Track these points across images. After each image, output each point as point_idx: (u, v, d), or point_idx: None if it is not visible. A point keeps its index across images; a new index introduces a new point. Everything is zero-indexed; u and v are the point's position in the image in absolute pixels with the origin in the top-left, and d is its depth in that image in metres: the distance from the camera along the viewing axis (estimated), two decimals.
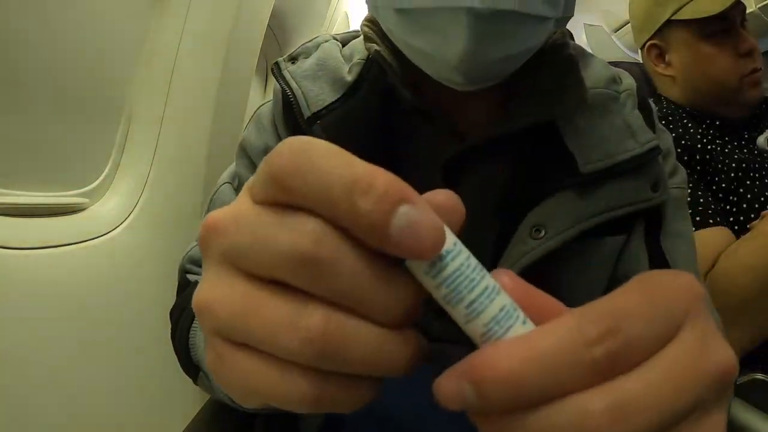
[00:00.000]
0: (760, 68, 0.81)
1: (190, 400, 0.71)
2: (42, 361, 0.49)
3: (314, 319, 0.14)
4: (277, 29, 1.33)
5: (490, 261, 0.40)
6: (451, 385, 0.14)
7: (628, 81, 0.46)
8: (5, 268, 0.46)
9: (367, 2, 0.40)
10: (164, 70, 0.72)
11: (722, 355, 0.15)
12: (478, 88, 0.38)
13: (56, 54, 0.55)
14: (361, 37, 0.45)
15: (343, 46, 0.47)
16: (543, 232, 0.38)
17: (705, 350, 0.15)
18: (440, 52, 0.35)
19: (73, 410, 0.53)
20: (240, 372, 0.16)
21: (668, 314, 0.15)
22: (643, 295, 0.15)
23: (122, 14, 0.66)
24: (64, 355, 0.52)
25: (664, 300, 0.15)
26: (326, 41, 0.47)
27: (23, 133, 0.53)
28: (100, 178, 0.66)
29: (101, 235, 0.60)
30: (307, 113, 0.42)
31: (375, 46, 0.42)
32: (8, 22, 0.49)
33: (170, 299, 0.71)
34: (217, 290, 0.16)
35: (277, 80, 0.44)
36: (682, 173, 0.48)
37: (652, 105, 0.49)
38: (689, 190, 0.69)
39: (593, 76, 0.44)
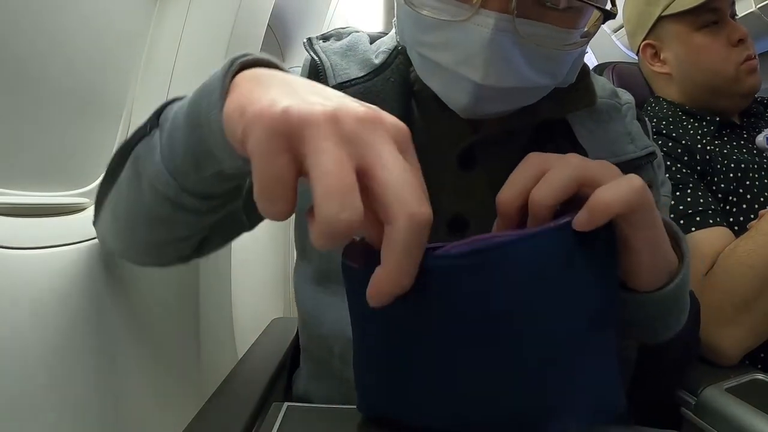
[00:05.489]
0: (755, 56, 0.81)
1: (190, 400, 0.71)
2: (41, 360, 0.49)
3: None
4: (277, 29, 1.33)
5: None
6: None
7: (627, 96, 0.52)
8: (5, 268, 0.46)
9: (396, 31, 0.46)
10: (164, 70, 0.72)
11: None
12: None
13: (56, 54, 0.55)
14: (392, 32, 0.50)
15: (371, 42, 0.51)
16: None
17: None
18: (449, 96, 0.41)
19: (72, 410, 0.53)
20: (276, 166, 0.21)
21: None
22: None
23: (122, 14, 0.66)
24: (64, 355, 0.52)
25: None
26: (356, 32, 0.51)
27: (23, 132, 0.53)
28: (100, 178, 0.66)
29: None
30: (332, 82, 0.45)
31: None
32: (8, 21, 0.49)
33: (170, 299, 0.71)
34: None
35: (308, 51, 0.48)
36: (669, 184, 0.55)
37: (647, 121, 0.55)
38: (689, 191, 0.69)
39: (599, 87, 0.49)
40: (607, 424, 0.27)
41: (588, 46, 0.42)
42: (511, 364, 0.26)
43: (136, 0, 0.68)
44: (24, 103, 0.53)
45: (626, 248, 0.29)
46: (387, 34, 0.51)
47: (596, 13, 0.40)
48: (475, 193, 0.45)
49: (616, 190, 0.26)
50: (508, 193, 0.29)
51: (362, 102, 0.24)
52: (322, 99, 0.23)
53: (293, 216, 0.51)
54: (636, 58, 0.95)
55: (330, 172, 0.20)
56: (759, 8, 1.18)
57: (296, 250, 0.53)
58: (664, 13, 0.83)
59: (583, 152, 0.44)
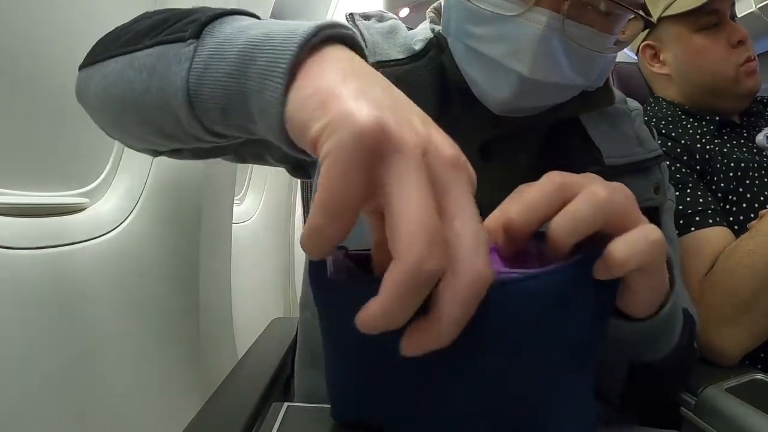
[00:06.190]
0: (754, 57, 0.81)
1: (190, 399, 0.71)
2: (42, 361, 0.49)
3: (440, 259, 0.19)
4: None
5: None
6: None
7: (635, 104, 0.55)
8: (5, 268, 0.46)
9: (442, 22, 0.47)
10: None
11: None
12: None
13: (56, 53, 0.55)
14: (424, 24, 0.51)
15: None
16: None
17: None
18: (488, 89, 0.42)
19: (72, 410, 0.53)
20: (355, 182, 0.19)
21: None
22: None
23: (122, 14, 0.66)
24: (64, 355, 0.52)
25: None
26: (395, 19, 0.52)
27: (23, 133, 0.53)
28: (100, 178, 0.66)
29: (101, 235, 0.60)
30: (371, 59, 0.46)
31: (439, 28, 0.48)
32: (7, 23, 0.49)
33: (170, 298, 0.71)
34: None
35: (350, 25, 0.49)
36: (672, 189, 0.57)
37: (652, 127, 0.57)
38: (689, 190, 0.69)
39: None
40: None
41: None
42: (487, 394, 0.26)
43: (135, 1, 0.68)
44: (24, 104, 0.53)
45: (627, 288, 0.28)
46: (412, 29, 0.53)
47: (633, 23, 0.43)
48: (491, 185, 0.46)
49: (634, 246, 0.25)
50: (524, 217, 0.26)
51: (444, 135, 0.23)
52: (412, 118, 0.22)
53: (293, 215, 0.51)
54: (636, 58, 0.95)
55: (416, 211, 0.18)
56: (759, 8, 1.19)
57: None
58: (663, 14, 0.83)
59: (596, 150, 0.47)
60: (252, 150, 0.49)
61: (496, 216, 0.27)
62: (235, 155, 0.49)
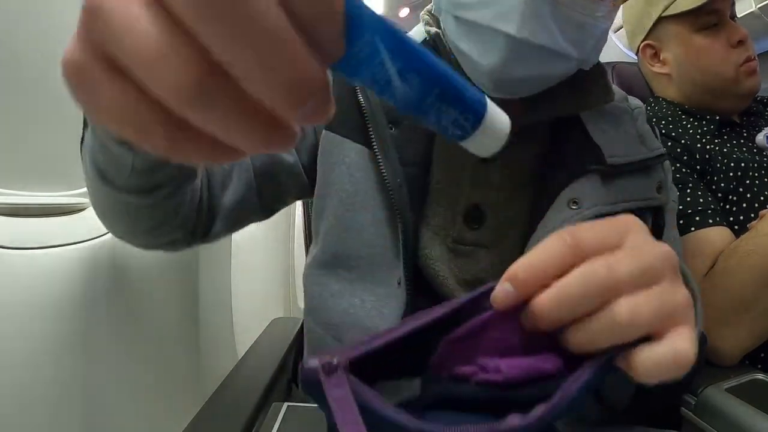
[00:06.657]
0: (754, 57, 0.81)
1: (190, 400, 0.71)
2: (42, 360, 0.49)
3: (194, 59, 0.13)
4: None
5: (528, 227, 0.45)
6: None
7: (637, 102, 0.55)
8: (5, 268, 0.46)
9: (434, 3, 0.49)
10: None
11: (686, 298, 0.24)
12: (504, 97, 0.44)
13: (56, 54, 0.55)
14: (418, 27, 0.52)
15: None
16: (579, 205, 0.45)
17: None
18: (479, 58, 0.42)
19: (72, 410, 0.53)
20: (106, 93, 0.15)
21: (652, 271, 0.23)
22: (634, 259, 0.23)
23: None
24: (64, 355, 0.52)
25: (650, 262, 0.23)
26: None
27: (23, 133, 0.53)
28: None
29: (101, 235, 0.60)
30: None
31: (434, 29, 0.49)
32: (8, 23, 0.49)
33: (170, 298, 0.71)
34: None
35: None
36: (675, 190, 0.57)
37: (654, 126, 0.57)
38: (689, 190, 0.69)
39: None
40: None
41: None
42: None
43: None
44: (24, 104, 0.53)
45: None
46: (407, 32, 0.53)
47: None
48: (493, 185, 0.47)
49: (660, 363, 0.23)
50: (558, 313, 0.23)
51: None
52: None
53: (293, 215, 0.52)
54: (636, 58, 0.94)
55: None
56: (759, 8, 1.18)
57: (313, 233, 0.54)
58: (663, 14, 0.83)
59: (598, 149, 0.46)
60: (270, 198, 0.50)
61: (529, 284, 0.23)
62: (262, 212, 0.51)
